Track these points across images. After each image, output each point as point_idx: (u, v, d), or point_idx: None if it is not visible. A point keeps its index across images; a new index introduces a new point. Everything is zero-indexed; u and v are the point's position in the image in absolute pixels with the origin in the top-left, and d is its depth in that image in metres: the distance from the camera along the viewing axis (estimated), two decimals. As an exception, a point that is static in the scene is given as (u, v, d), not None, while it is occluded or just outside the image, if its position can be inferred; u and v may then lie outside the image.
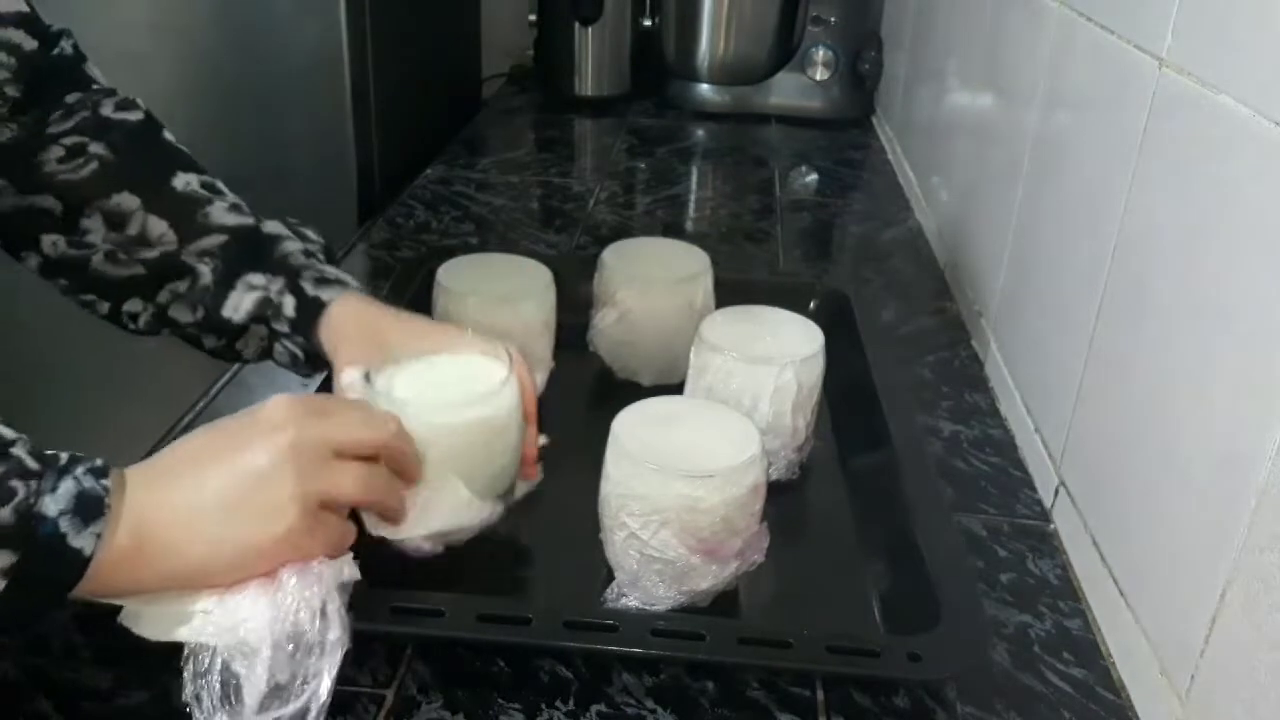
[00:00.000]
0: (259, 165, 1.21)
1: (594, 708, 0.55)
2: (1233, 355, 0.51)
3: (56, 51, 0.67)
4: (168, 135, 0.70)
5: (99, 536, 0.45)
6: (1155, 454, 0.58)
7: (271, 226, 0.69)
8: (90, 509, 0.46)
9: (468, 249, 0.99)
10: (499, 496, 0.62)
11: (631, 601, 0.59)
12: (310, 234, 0.72)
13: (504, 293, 0.77)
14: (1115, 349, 0.66)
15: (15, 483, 0.44)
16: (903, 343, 0.95)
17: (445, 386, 0.61)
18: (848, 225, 1.26)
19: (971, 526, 0.70)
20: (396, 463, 0.56)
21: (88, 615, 0.58)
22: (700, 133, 1.58)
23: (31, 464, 0.45)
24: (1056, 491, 0.72)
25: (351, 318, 0.66)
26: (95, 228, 0.65)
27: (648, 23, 1.60)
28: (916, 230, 1.22)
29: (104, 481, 0.47)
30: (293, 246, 0.69)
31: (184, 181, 0.68)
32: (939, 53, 1.27)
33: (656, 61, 1.63)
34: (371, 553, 0.64)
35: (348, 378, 0.62)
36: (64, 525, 0.45)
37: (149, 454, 0.67)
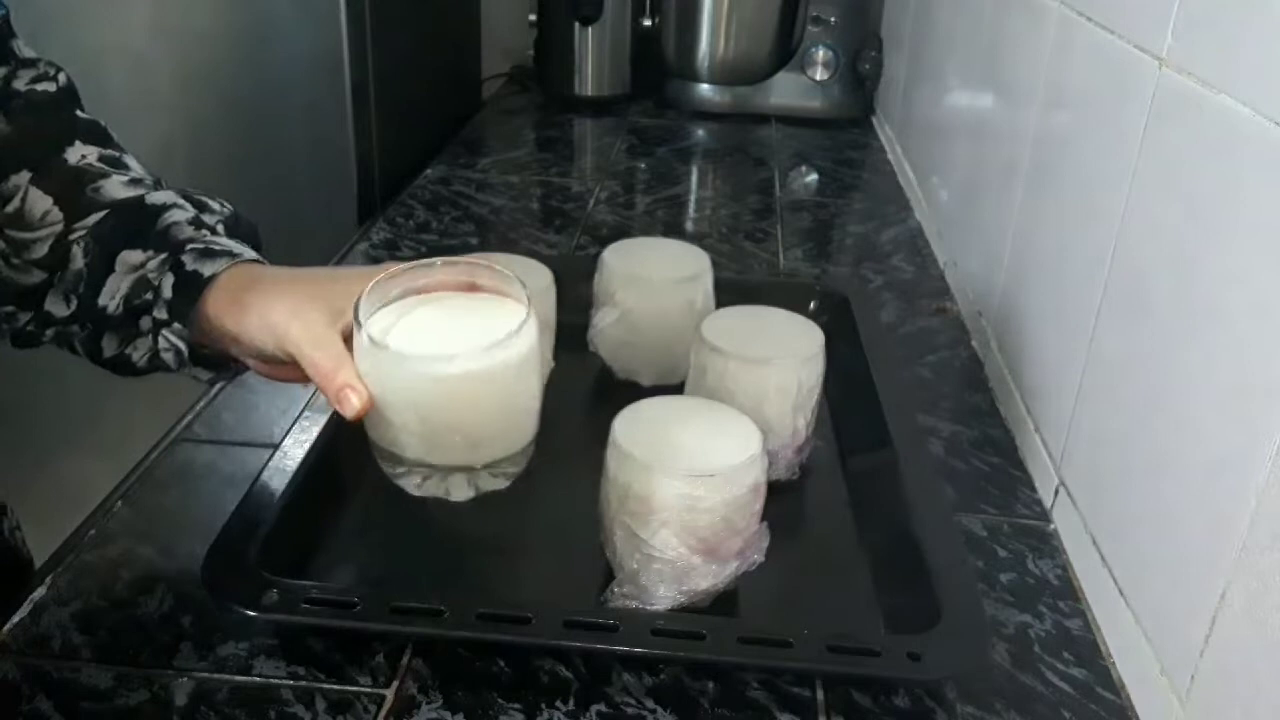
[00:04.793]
0: (259, 165, 1.21)
1: (594, 708, 0.55)
2: (1232, 355, 0.51)
3: None
4: (80, 111, 0.61)
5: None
6: (1155, 454, 0.58)
7: (159, 195, 0.58)
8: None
9: (468, 249, 0.99)
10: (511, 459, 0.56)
11: (631, 601, 0.59)
12: (212, 203, 0.60)
13: (504, 293, 0.76)
14: (1115, 349, 0.66)
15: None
16: (903, 343, 0.95)
17: (449, 330, 0.54)
18: (848, 225, 1.26)
19: (971, 526, 0.70)
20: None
21: (88, 615, 0.59)
22: (700, 133, 1.58)
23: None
24: (1056, 491, 0.72)
25: (253, 287, 0.54)
26: None
27: (648, 23, 1.60)
28: (916, 230, 1.22)
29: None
30: (179, 216, 0.57)
31: (79, 154, 0.58)
32: (939, 53, 1.27)
33: (656, 61, 1.63)
34: (371, 553, 0.65)
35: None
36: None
37: (147, 456, 0.68)
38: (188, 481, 0.71)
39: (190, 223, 0.57)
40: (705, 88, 1.62)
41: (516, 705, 0.54)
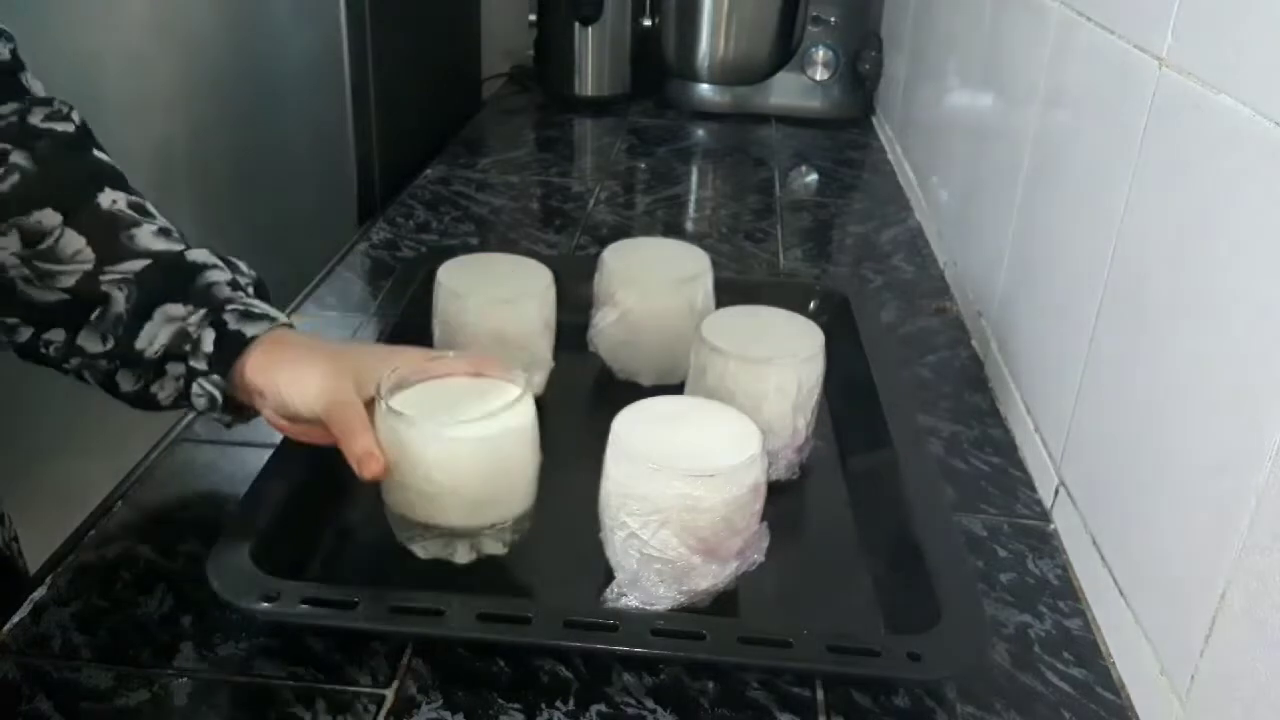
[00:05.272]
0: (259, 165, 1.22)
1: (594, 708, 0.55)
2: (1232, 355, 0.51)
3: None
4: (99, 152, 0.65)
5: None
6: (1155, 454, 0.58)
7: (197, 254, 0.64)
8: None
9: (468, 249, 0.99)
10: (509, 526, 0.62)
11: (631, 601, 0.59)
12: (241, 266, 0.67)
13: (504, 293, 0.76)
14: (1115, 349, 0.66)
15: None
16: (903, 343, 0.95)
17: (456, 404, 0.61)
18: (848, 225, 1.26)
19: (971, 526, 0.70)
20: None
21: (88, 615, 0.59)
22: (700, 133, 1.58)
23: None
24: (1056, 491, 0.72)
25: (288, 351, 0.61)
26: (9, 244, 0.60)
27: (648, 23, 1.60)
28: (916, 230, 1.22)
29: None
30: (219, 276, 0.63)
31: (110, 199, 0.63)
32: (939, 53, 1.27)
33: (656, 61, 1.63)
34: (371, 552, 0.65)
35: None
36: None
37: (147, 456, 0.68)
38: (188, 481, 0.71)
39: (229, 284, 0.63)
40: (705, 88, 1.62)
41: (516, 705, 0.54)
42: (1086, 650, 0.61)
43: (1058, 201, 0.79)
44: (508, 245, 1.11)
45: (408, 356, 0.63)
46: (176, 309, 0.61)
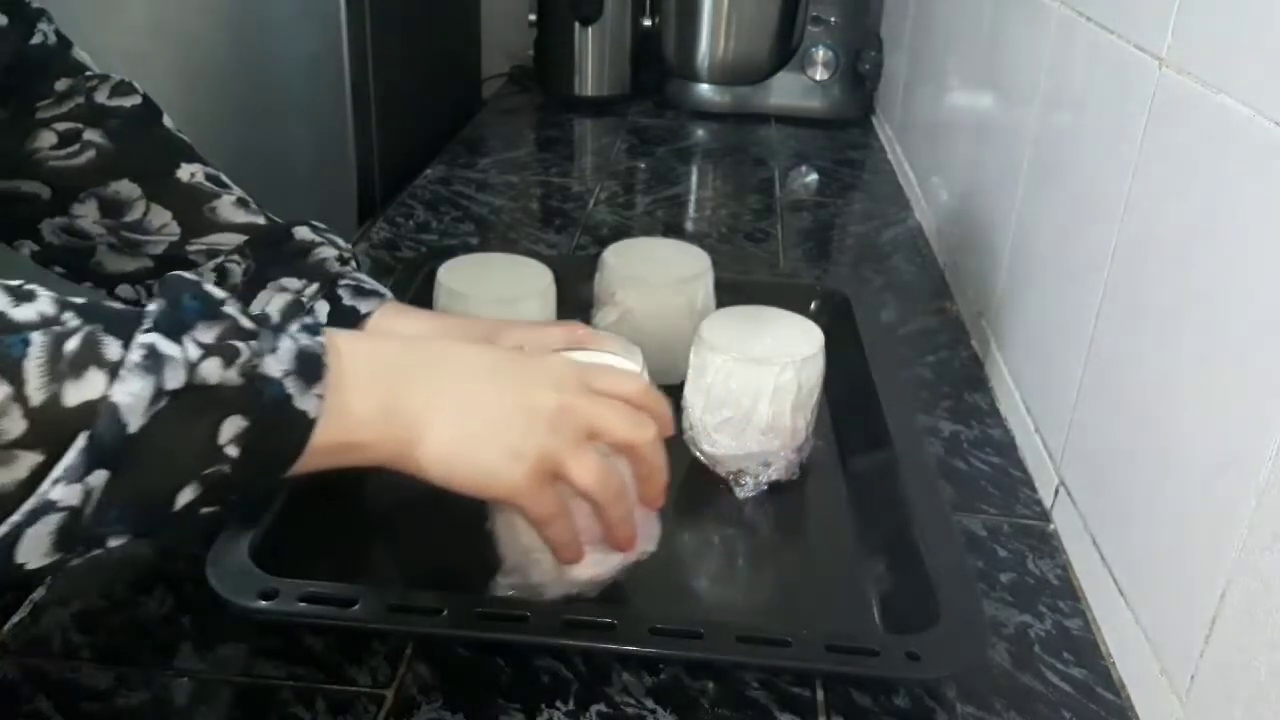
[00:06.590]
0: (259, 165, 1.21)
1: (594, 708, 0.55)
2: (1232, 355, 0.51)
3: (38, 40, 0.65)
4: (167, 121, 0.68)
5: (321, 398, 0.44)
6: (1155, 454, 0.58)
7: (303, 231, 0.67)
8: (310, 369, 0.43)
9: (468, 249, 0.99)
10: None
11: (517, 591, 0.58)
12: (340, 241, 0.69)
13: (504, 293, 0.77)
14: (1115, 349, 0.66)
15: (237, 342, 0.42)
16: (903, 343, 0.95)
17: None
18: (848, 225, 1.26)
19: (971, 526, 0.70)
20: (641, 469, 0.54)
21: (88, 615, 0.59)
22: (700, 133, 1.58)
23: (247, 323, 0.43)
24: (1056, 491, 0.72)
25: (393, 325, 0.62)
26: (88, 213, 0.63)
27: (648, 23, 1.60)
28: (916, 230, 1.22)
29: (319, 339, 0.45)
30: (328, 253, 0.66)
31: (189, 173, 0.66)
32: (939, 53, 1.27)
33: (656, 61, 1.63)
34: (371, 552, 0.65)
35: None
36: (289, 387, 0.42)
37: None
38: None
39: (338, 259, 0.65)
40: (705, 88, 1.62)
41: (516, 705, 0.54)
42: (1086, 650, 0.61)
43: (1058, 201, 0.79)
44: (508, 245, 1.11)
45: (550, 334, 0.64)
46: (292, 281, 0.63)
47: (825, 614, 0.62)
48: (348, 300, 0.63)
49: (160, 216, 0.64)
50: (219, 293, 0.43)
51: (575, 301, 0.82)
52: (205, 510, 0.42)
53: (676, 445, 0.72)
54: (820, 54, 1.58)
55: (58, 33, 0.66)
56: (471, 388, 0.50)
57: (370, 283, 0.65)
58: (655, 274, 0.80)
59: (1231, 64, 0.54)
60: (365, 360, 0.47)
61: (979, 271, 0.98)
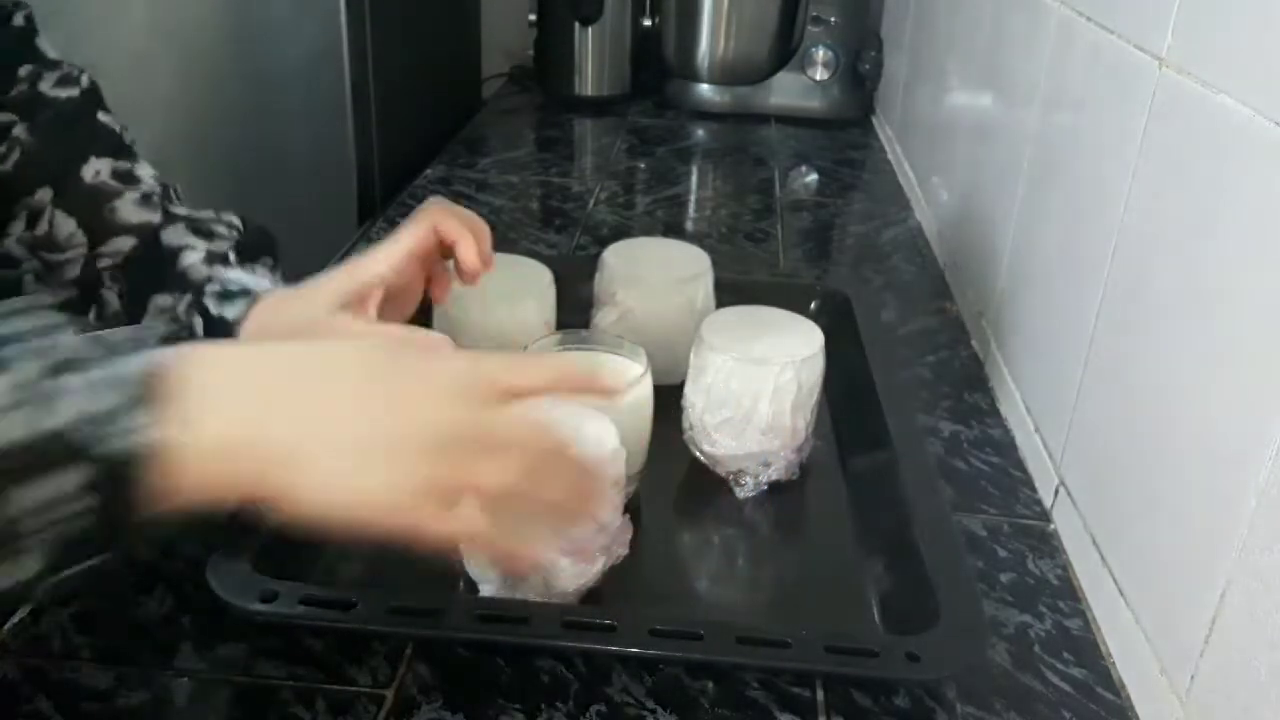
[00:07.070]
0: (259, 165, 1.21)
1: (594, 708, 0.55)
2: (1232, 355, 0.51)
3: (10, 23, 0.61)
4: (102, 115, 0.62)
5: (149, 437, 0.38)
6: (1155, 454, 0.58)
7: (171, 235, 0.60)
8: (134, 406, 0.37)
9: (467, 249, 0.99)
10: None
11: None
12: (218, 227, 0.61)
13: (504, 292, 0.76)
14: (1115, 349, 0.66)
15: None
16: (903, 343, 0.95)
17: None
18: (848, 225, 1.26)
19: (971, 526, 0.70)
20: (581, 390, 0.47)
21: (88, 615, 0.59)
22: (700, 133, 1.58)
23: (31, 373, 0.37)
24: (1056, 491, 0.72)
25: (264, 328, 0.55)
26: (16, 230, 0.57)
27: (648, 23, 1.60)
28: (916, 230, 1.22)
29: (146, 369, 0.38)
30: (193, 257, 0.59)
31: (94, 170, 0.59)
32: (939, 53, 1.27)
33: (656, 61, 1.63)
34: (371, 552, 0.65)
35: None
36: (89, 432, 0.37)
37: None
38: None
39: (204, 260, 0.59)
40: (705, 88, 1.62)
41: (516, 705, 0.54)
42: (1086, 650, 0.61)
43: (1058, 201, 0.79)
44: (508, 245, 1.11)
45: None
46: (164, 299, 0.58)
47: (825, 614, 0.62)
48: (214, 309, 0.57)
49: (66, 225, 0.58)
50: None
51: (575, 301, 0.82)
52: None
53: (677, 445, 0.72)
54: (820, 54, 1.58)
55: (28, 18, 0.62)
56: (344, 408, 0.41)
57: (237, 281, 0.58)
58: (655, 274, 0.80)
59: (1231, 64, 0.54)
60: (214, 386, 0.39)
61: (979, 271, 0.98)
